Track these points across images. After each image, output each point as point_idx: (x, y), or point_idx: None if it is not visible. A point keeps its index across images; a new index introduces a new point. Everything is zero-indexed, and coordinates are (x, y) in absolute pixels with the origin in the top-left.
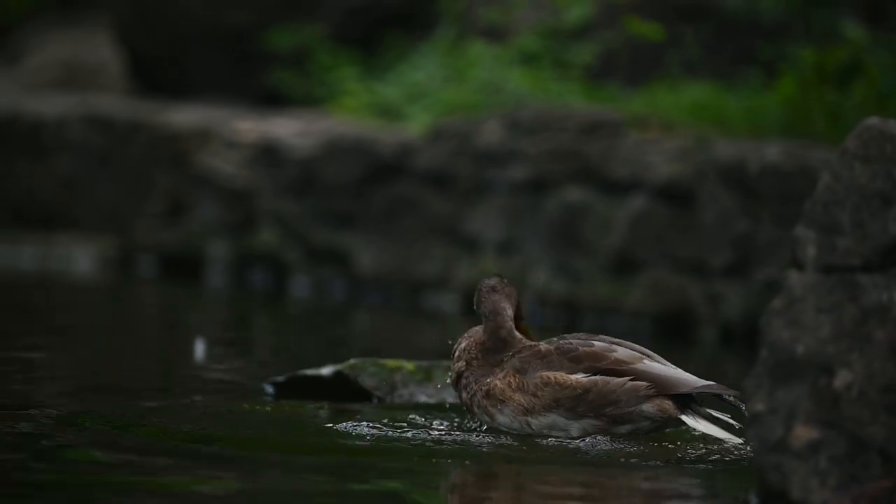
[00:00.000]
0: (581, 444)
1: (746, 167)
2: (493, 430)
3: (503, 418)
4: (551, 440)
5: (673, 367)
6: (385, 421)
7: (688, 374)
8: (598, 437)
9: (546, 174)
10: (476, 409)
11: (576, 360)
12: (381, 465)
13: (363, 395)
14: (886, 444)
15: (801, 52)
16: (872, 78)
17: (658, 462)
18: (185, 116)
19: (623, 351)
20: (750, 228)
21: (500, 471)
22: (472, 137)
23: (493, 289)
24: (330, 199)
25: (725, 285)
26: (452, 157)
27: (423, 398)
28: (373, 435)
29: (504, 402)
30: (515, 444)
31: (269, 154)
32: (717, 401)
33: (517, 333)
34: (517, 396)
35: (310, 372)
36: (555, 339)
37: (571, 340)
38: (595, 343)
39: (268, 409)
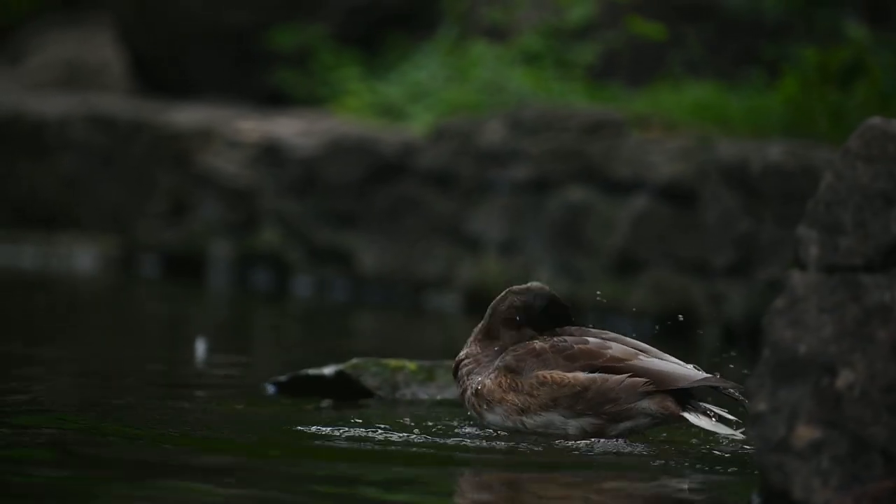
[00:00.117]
0: (582, 446)
1: (749, 167)
2: (494, 431)
3: (494, 417)
4: (551, 442)
5: (670, 359)
6: (388, 422)
7: (686, 366)
8: (600, 439)
9: (548, 174)
10: (467, 406)
11: (571, 359)
12: (387, 473)
13: (365, 395)
14: (888, 444)
15: (803, 51)
16: (875, 78)
17: (659, 462)
18: (187, 116)
19: (618, 347)
20: (752, 228)
21: (501, 475)
22: (475, 137)
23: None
24: (332, 199)
25: (728, 285)
26: (455, 156)
27: (425, 398)
28: (376, 439)
29: (494, 402)
30: (516, 446)
31: (271, 154)
32: (715, 393)
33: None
34: (510, 397)
35: (312, 371)
36: (547, 335)
37: (566, 338)
38: (589, 340)
39: (270, 408)
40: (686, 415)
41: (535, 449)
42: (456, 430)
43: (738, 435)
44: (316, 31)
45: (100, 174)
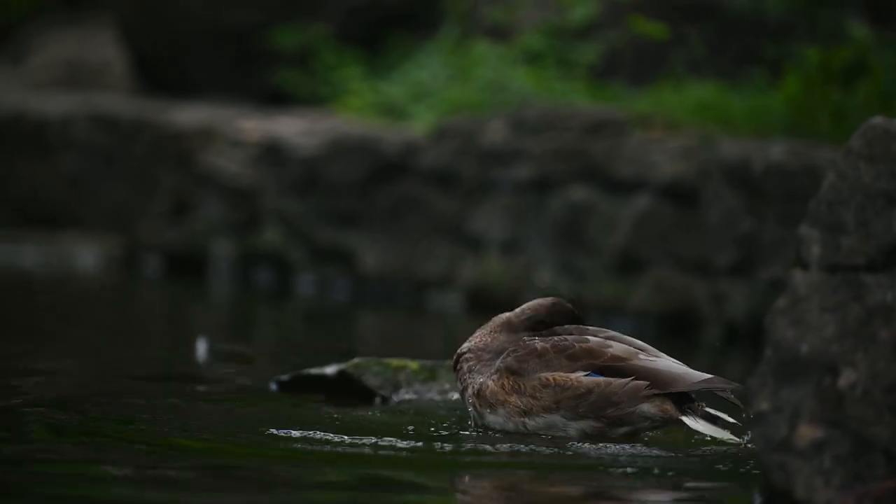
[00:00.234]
0: (582, 447)
1: (751, 166)
2: (494, 432)
3: (495, 418)
4: (551, 443)
5: (670, 359)
6: (389, 423)
7: (686, 367)
8: (601, 441)
9: (550, 173)
10: (467, 405)
11: (573, 358)
12: (388, 473)
13: (367, 395)
14: (891, 443)
15: (805, 51)
16: (877, 77)
17: (660, 462)
18: (189, 115)
19: (619, 346)
20: (754, 228)
21: (501, 475)
22: (477, 137)
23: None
24: (334, 198)
25: (730, 284)
26: (457, 156)
27: (426, 398)
28: (377, 439)
29: (496, 404)
30: (516, 446)
31: (273, 153)
32: (714, 397)
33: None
34: (513, 399)
35: (314, 371)
36: (545, 333)
37: (566, 337)
38: (590, 339)
39: (271, 407)
40: (684, 419)
41: (535, 450)
42: (457, 431)
43: (735, 439)
44: (317, 31)
45: (102, 174)
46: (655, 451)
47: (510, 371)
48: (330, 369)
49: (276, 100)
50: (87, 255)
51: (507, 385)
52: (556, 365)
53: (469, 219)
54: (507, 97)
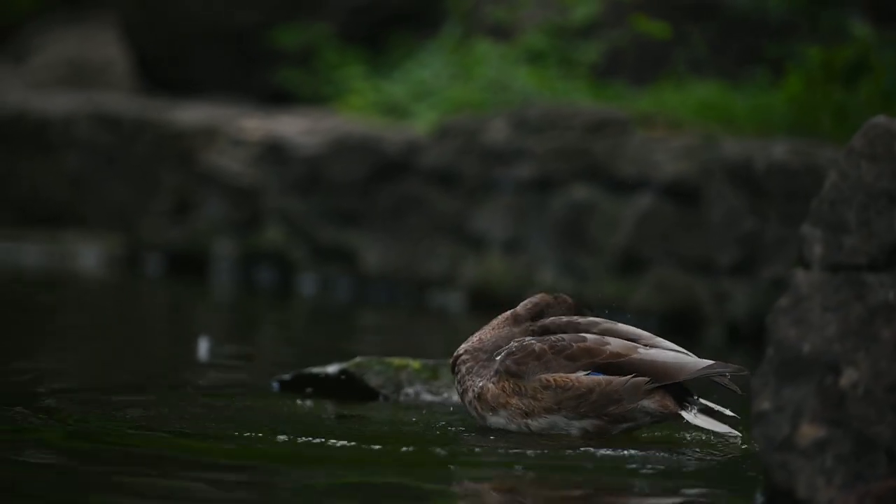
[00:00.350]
0: (584, 447)
1: (753, 165)
2: (496, 432)
3: (497, 420)
4: (552, 443)
5: (667, 344)
6: (390, 422)
7: (686, 354)
8: (603, 438)
9: (552, 173)
10: (468, 407)
11: (572, 358)
12: (388, 473)
13: (369, 394)
14: (893, 443)
15: (807, 50)
16: (879, 76)
17: (662, 462)
18: (191, 114)
19: (616, 342)
20: (756, 227)
21: (502, 475)
22: (479, 136)
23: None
24: (336, 198)
25: (732, 284)
26: (459, 155)
27: (428, 397)
28: (378, 439)
29: (498, 407)
30: (517, 446)
31: (275, 152)
32: (715, 385)
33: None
34: (514, 401)
35: (316, 370)
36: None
37: (563, 336)
38: (587, 337)
39: (273, 406)
40: (683, 413)
41: (537, 450)
42: (458, 430)
43: (734, 433)
44: (319, 30)
45: (104, 173)
46: (657, 451)
47: (509, 373)
48: (332, 368)
49: (278, 99)
50: (89, 254)
51: (507, 387)
52: (554, 366)
53: (471, 218)
54: (509, 96)
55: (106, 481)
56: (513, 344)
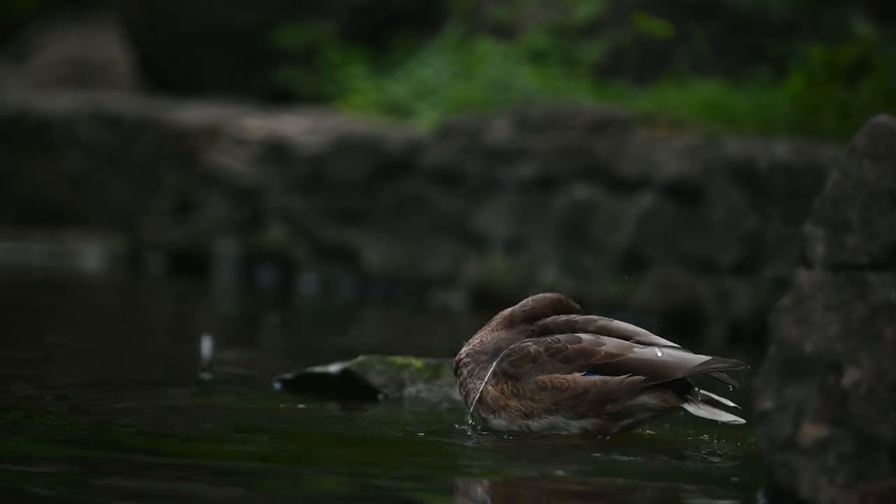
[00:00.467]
0: (586, 447)
1: (755, 164)
2: (498, 433)
3: (499, 422)
4: (553, 442)
5: (663, 342)
6: (392, 422)
7: (681, 351)
8: (604, 436)
9: (554, 172)
10: (470, 409)
11: (567, 360)
12: (389, 473)
13: (371, 393)
14: (895, 442)
15: (810, 49)
16: (881, 75)
17: (664, 461)
18: (193, 114)
19: (611, 342)
20: (759, 226)
21: (503, 475)
22: (481, 135)
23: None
24: (338, 197)
25: (734, 283)
26: (461, 154)
27: (430, 396)
28: (380, 438)
29: (499, 409)
30: (518, 446)
31: (277, 151)
32: (717, 383)
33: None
34: (513, 403)
35: (318, 369)
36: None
37: (559, 337)
38: (582, 338)
39: (275, 406)
40: (686, 406)
41: (537, 450)
42: (460, 430)
43: (739, 420)
44: (322, 30)
45: (106, 172)
46: (659, 450)
47: (507, 376)
48: (334, 368)
49: (280, 98)
50: (91, 253)
51: (506, 390)
52: (550, 369)
53: (473, 217)
54: (512, 95)
55: (106, 481)
56: (512, 346)
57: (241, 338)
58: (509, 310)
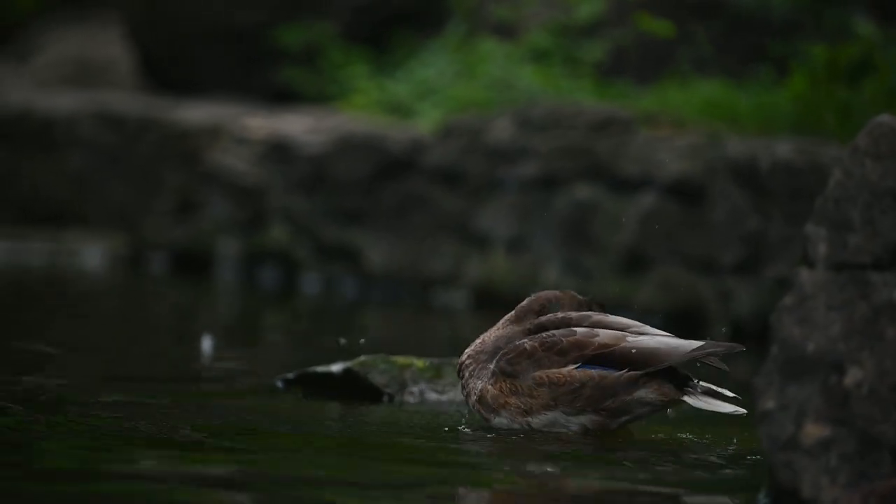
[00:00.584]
0: (587, 446)
1: (757, 164)
2: (497, 431)
3: (500, 420)
4: (554, 441)
5: (657, 332)
6: (394, 421)
7: (676, 338)
8: (604, 434)
9: (556, 171)
10: (473, 411)
11: (562, 353)
12: (390, 473)
13: (373, 393)
14: None
15: (812, 48)
16: (884, 75)
17: (666, 460)
18: (195, 113)
19: (605, 333)
20: (761, 226)
21: (503, 475)
22: (483, 134)
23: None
24: (340, 196)
25: (736, 282)
26: (463, 154)
27: (433, 396)
28: (381, 438)
29: (498, 407)
30: (518, 445)
31: (279, 151)
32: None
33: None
34: (513, 400)
35: (320, 368)
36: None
37: (554, 332)
38: (576, 331)
39: (277, 405)
40: (687, 398)
41: (535, 449)
42: (461, 430)
43: (740, 410)
44: (323, 30)
45: (108, 172)
46: (659, 450)
47: (504, 374)
48: (336, 367)
49: (282, 98)
50: (92, 253)
51: (504, 388)
52: (546, 363)
53: (475, 217)
54: (514, 95)
55: (106, 480)
56: (508, 344)
57: (243, 337)
58: (514, 311)
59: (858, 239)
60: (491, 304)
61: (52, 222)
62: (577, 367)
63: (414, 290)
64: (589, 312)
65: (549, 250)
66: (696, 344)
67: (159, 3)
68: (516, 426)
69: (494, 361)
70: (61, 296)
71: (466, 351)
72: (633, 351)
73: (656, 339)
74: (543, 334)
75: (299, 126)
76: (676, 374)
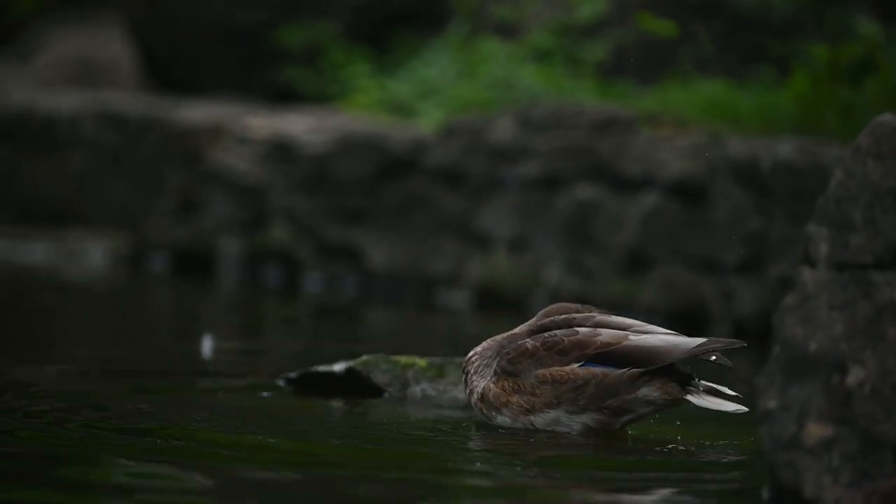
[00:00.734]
0: (588, 446)
1: (759, 164)
2: (499, 430)
3: (503, 419)
4: (555, 440)
5: (660, 330)
6: (396, 421)
7: (678, 336)
8: (607, 433)
9: (558, 171)
10: (475, 409)
11: (563, 353)
12: (390, 472)
13: (375, 392)
14: None
15: (813, 48)
16: (885, 74)
17: (667, 460)
18: (196, 113)
19: (607, 332)
20: (762, 225)
21: (504, 475)
22: (485, 134)
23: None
24: (342, 196)
25: (738, 282)
26: (464, 153)
27: (434, 395)
28: (382, 438)
29: (501, 406)
30: (519, 445)
31: (281, 150)
32: (721, 370)
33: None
34: (515, 399)
35: (322, 368)
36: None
37: (556, 332)
38: (578, 331)
39: (279, 404)
40: (689, 397)
41: (536, 448)
42: (463, 429)
43: (742, 409)
44: (325, 29)
45: (110, 171)
46: (661, 449)
47: (506, 372)
48: (338, 366)
49: (284, 98)
50: (94, 253)
51: (506, 386)
52: (548, 362)
53: (477, 216)
54: (515, 95)
55: (106, 480)
56: (511, 344)
57: (246, 336)
58: (541, 311)
59: (860, 239)
60: (493, 303)
61: (54, 222)
62: (579, 366)
63: (416, 290)
64: (592, 313)
65: (551, 250)
66: (698, 340)
67: (160, 3)
68: (519, 425)
69: (496, 360)
70: (62, 295)
71: (475, 348)
72: (635, 350)
73: (658, 336)
74: (545, 334)
75: (301, 126)
76: (679, 373)
